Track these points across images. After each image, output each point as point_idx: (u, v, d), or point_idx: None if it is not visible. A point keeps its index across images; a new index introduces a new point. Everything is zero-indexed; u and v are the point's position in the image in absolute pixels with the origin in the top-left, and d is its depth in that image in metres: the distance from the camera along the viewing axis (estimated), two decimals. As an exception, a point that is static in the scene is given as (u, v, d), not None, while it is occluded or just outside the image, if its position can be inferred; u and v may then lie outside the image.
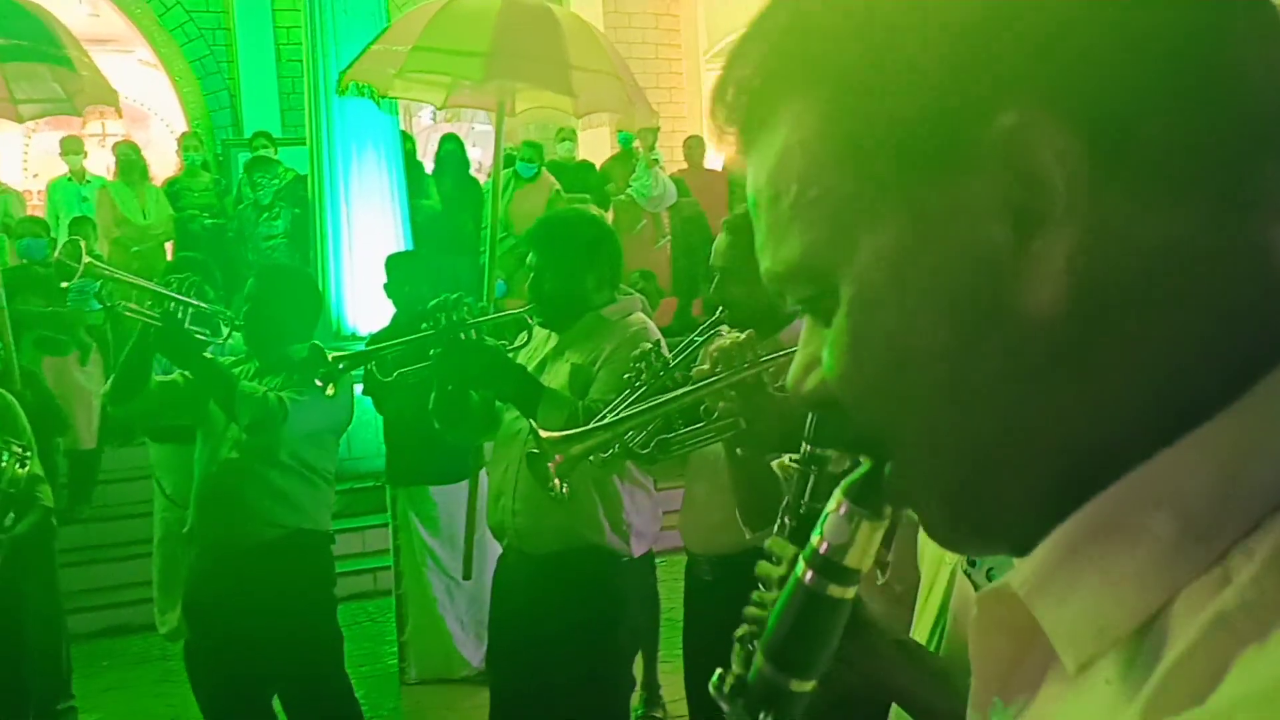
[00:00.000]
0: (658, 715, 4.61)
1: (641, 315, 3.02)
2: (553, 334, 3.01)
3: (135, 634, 6.17)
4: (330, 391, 2.87)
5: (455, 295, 2.89)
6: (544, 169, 8.58)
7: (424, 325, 2.92)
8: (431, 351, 2.87)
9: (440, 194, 8.74)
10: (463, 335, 2.82)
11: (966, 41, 0.48)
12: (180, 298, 3.15)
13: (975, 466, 0.51)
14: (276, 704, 3.54)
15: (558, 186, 8.51)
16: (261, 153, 8.76)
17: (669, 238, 9.06)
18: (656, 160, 9.03)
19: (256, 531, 3.35)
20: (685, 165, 9.90)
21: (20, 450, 3.25)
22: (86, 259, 3.33)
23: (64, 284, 4.80)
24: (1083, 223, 0.46)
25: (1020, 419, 0.49)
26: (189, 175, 9.12)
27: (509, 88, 4.84)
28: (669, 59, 12.61)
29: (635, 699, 3.81)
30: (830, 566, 0.67)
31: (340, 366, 2.99)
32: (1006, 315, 0.48)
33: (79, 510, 5.67)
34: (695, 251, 8.55)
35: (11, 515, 3.33)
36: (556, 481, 2.36)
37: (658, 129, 8.41)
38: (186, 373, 3.31)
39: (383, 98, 5.16)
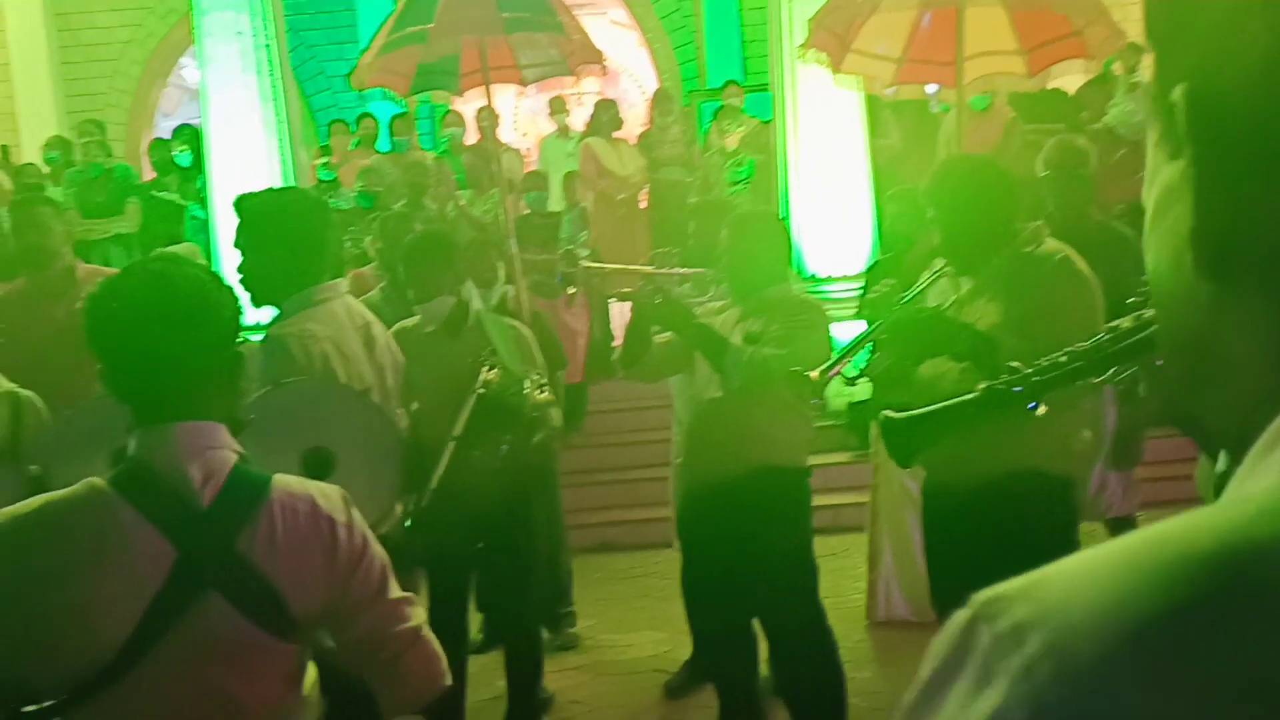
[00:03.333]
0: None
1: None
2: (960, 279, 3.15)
3: (622, 551, 6.78)
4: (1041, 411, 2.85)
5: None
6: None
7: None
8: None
9: (901, 131, 8.64)
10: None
11: None
12: (664, 271, 3.45)
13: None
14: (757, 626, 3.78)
15: (1013, 115, 8.14)
16: (730, 101, 9.10)
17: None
18: (1138, 84, 8.33)
19: (740, 467, 3.56)
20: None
21: (538, 377, 3.69)
22: (582, 264, 3.76)
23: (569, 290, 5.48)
24: None
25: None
26: (659, 130, 9.68)
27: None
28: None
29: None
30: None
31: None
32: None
33: (571, 438, 6.27)
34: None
35: (538, 434, 3.81)
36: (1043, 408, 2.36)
37: (1142, 49, 7.76)
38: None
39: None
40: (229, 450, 1.78)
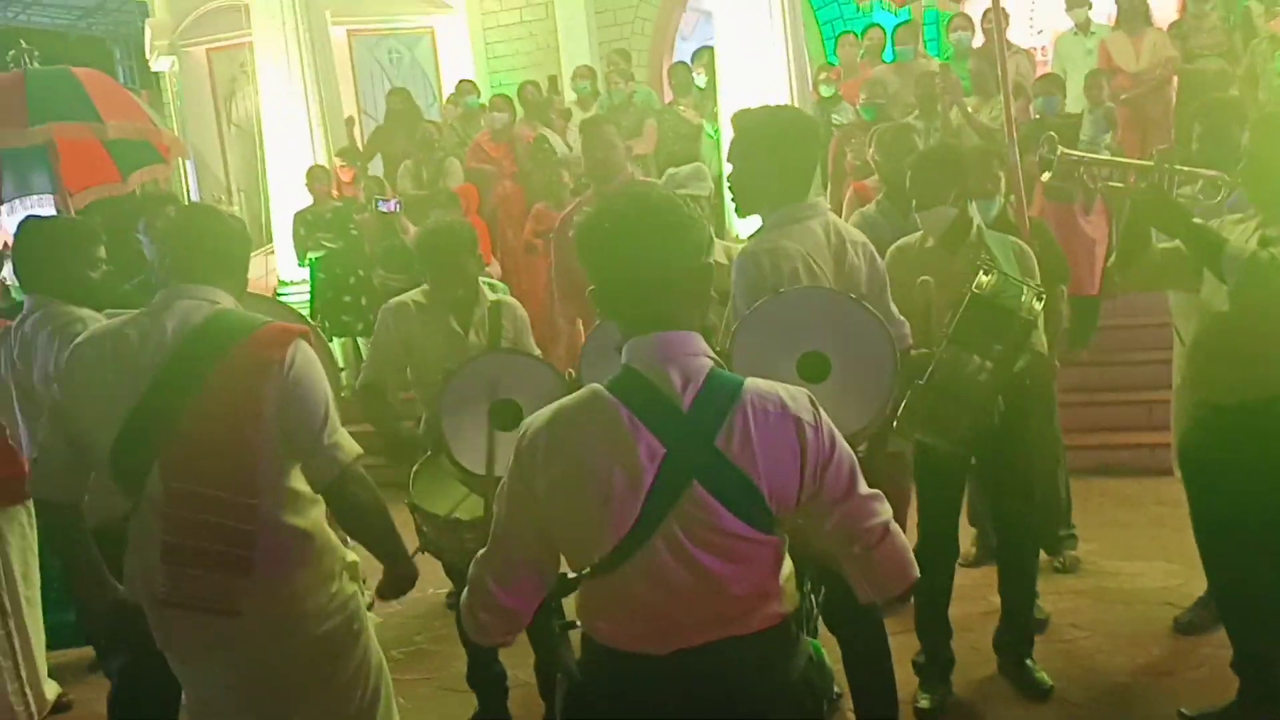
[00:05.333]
0: None
1: None
2: None
3: (1129, 476, 6.37)
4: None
5: None
6: None
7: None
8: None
9: None
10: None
11: None
12: (1166, 168, 3.16)
13: None
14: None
15: None
16: None
17: None
18: None
19: (1251, 391, 3.23)
20: None
21: (1036, 287, 3.55)
22: (1060, 151, 3.59)
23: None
24: None
25: None
26: (1194, 17, 8.75)
27: None
28: None
29: None
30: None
31: None
32: None
33: (1076, 354, 5.93)
34: None
35: (1032, 345, 3.70)
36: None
37: None
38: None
39: None
40: (705, 356, 1.94)
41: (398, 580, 2.74)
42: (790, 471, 1.90)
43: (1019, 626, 4.09)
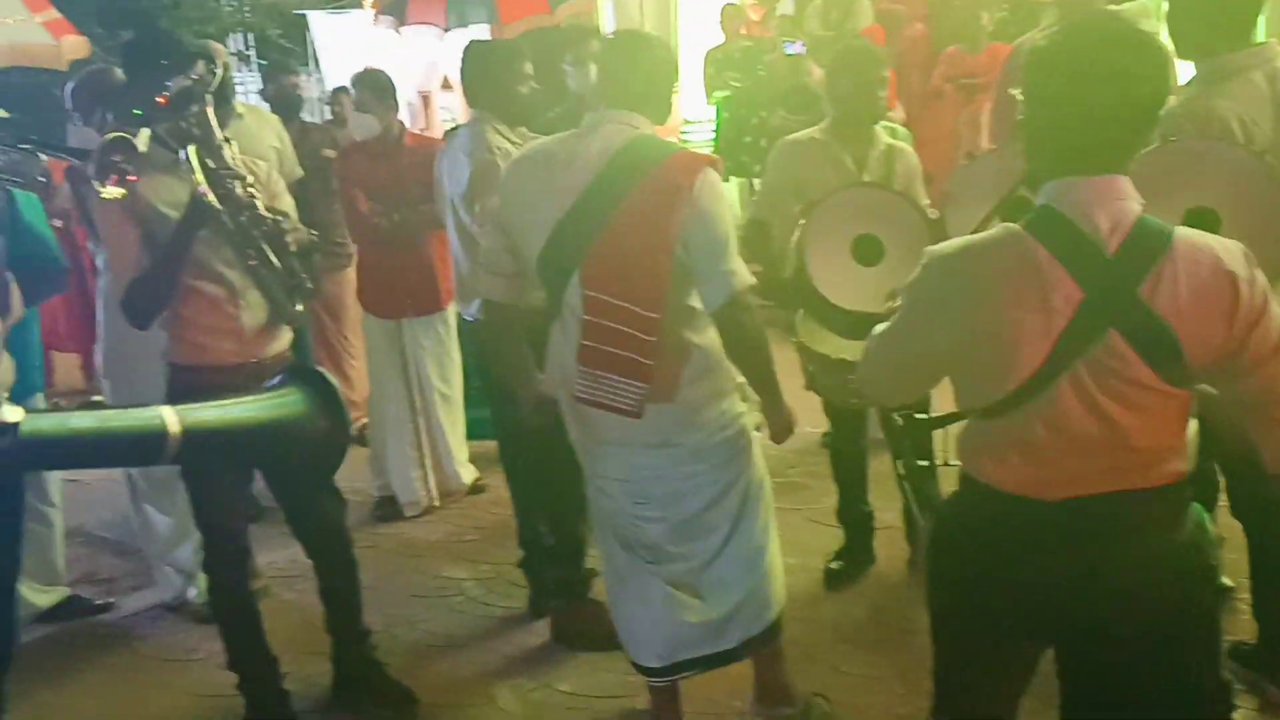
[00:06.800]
0: None
1: None
2: None
3: None
4: None
5: None
6: None
7: None
8: None
9: None
10: None
11: None
12: None
13: None
14: None
15: None
16: None
17: None
18: None
19: None
20: None
21: None
22: None
23: None
24: None
25: None
26: None
27: None
28: None
29: None
30: None
31: None
32: None
33: None
34: None
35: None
36: None
37: None
38: None
39: None
40: (1134, 202, 1.85)
41: (778, 421, 2.89)
42: (1215, 326, 1.80)
43: None
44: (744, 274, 2.72)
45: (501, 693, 3.62)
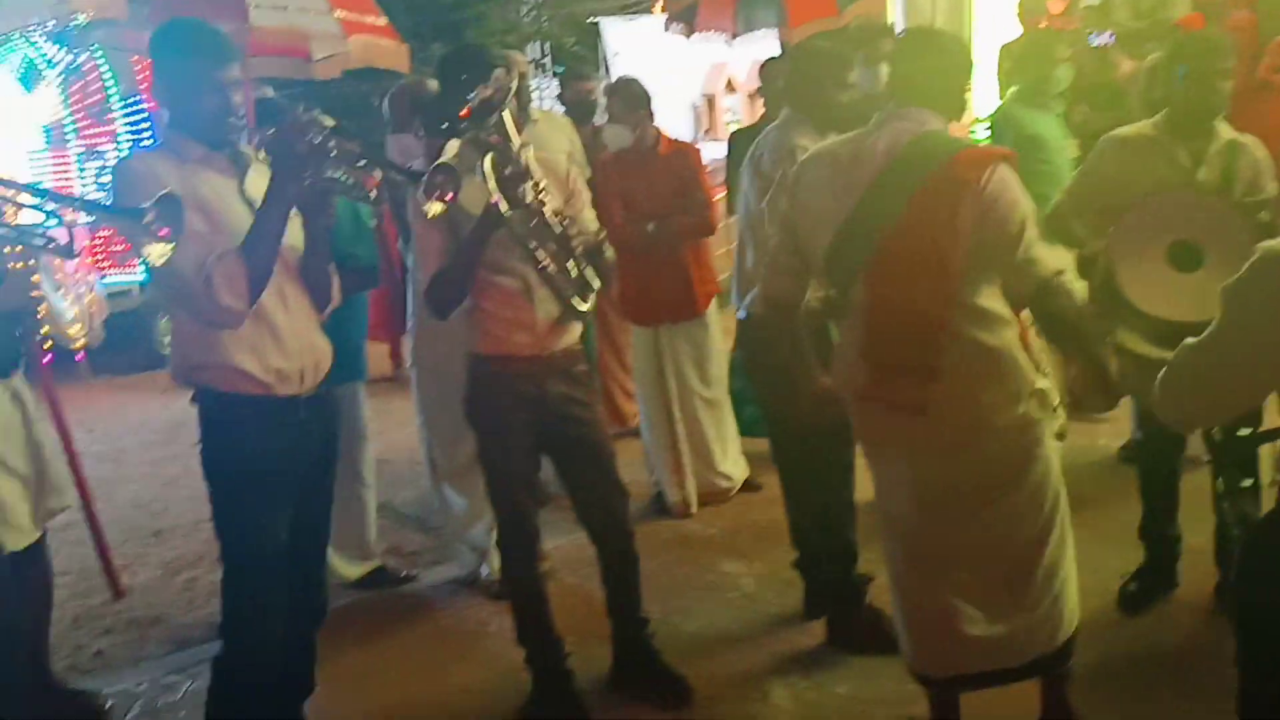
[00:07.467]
0: None
1: None
2: None
3: None
4: None
5: None
6: None
7: None
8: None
9: None
10: None
11: None
12: None
13: None
14: None
15: None
16: None
17: None
18: None
19: None
20: None
21: None
22: None
23: None
24: None
25: None
26: None
27: None
28: None
29: None
30: None
31: None
32: None
33: None
34: None
35: None
36: None
37: None
38: None
39: None
40: None
41: (1097, 383, 2.82)
42: None
43: None
44: (1047, 259, 2.69)
45: (775, 690, 3.63)
